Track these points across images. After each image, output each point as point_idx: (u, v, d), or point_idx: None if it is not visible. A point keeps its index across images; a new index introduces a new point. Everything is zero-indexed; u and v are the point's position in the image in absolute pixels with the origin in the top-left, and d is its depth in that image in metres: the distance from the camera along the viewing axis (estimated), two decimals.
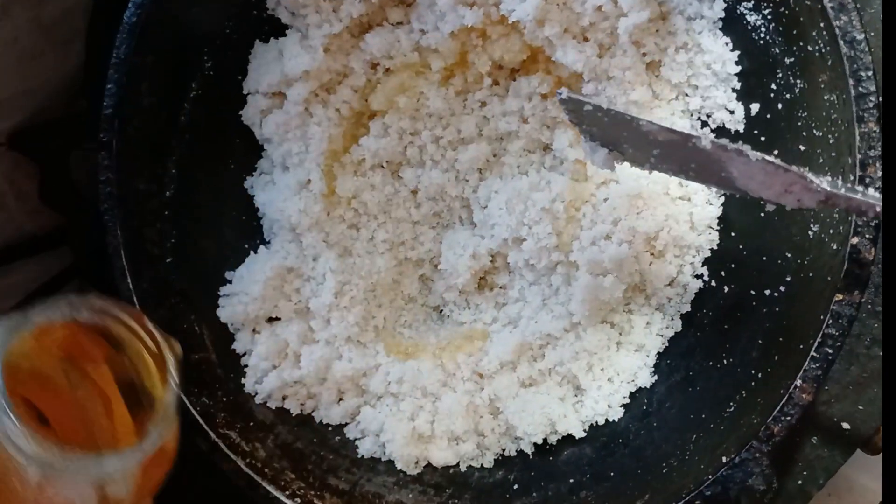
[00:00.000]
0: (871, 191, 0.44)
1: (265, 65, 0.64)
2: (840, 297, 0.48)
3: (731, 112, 0.57)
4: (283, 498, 0.58)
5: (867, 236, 0.47)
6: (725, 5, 0.55)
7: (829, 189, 0.44)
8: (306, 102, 0.64)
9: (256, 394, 0.63)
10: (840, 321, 0.48)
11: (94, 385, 0.48)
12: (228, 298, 0.64)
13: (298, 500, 0.58)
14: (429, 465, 0.61)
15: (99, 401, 0.47)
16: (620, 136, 0.49)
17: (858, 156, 0.47)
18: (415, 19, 0.62)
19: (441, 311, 0.68)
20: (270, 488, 0.58)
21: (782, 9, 0.51)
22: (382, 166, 0.66)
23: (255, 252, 0.67)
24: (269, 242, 0.68)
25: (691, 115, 0.60)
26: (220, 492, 0.58)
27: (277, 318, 0.65)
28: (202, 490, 0.59)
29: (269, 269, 0.64)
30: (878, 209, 0.43)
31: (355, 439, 0.63)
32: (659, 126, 0.47)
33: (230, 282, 0.65)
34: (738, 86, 0.57)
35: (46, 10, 0.66)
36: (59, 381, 0.47)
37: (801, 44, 0.50)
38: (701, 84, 0.58)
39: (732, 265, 0.58)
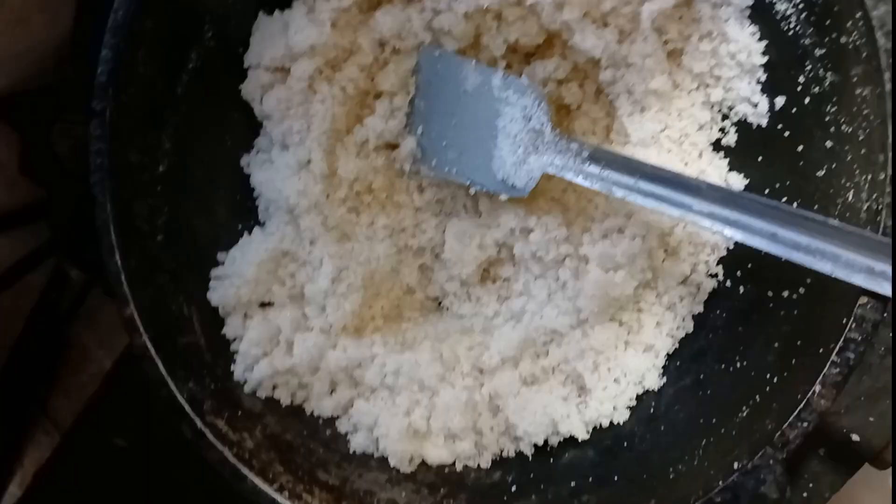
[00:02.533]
0: None
1: (268, 38, 0.61)
2: (865, 299, 0.45)
3: (755, 105, 0.55)
4: (269, 491, 0.55)
5: None
6: None
7: None
8: (310, 79, 0.61)
9: (246, 382, 0.60)
10: (864, 325, 0.45)
11: None
12: (220, 281, 0.62)
13: (286, 493, 0.55)
14: (423, 462, 0.59)
15: None
16: None
17: (892, 154, 0.44)
18: None
19: (440, 302, 0.66)
20: (257, 480, 0.55)
21: None
22: (386, 148, 0.64)
23: (250, 233, 0.64)
24: (263, 224, 0.65)
25: (712, 107, 0.58)
26: (205, 482, 0.56)
27: (270, 304, 0.62)
28: (186, 480, 0.56)
29: (263, 251, 0.61)
30: None
31: (347, 433, 0.60)
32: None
33: (222, 263, 0.62)
34: (763, 77, 0.55)
35: None
36: None
37: (834, 35, 0.48)
38: (724, 75, 0.56)
39: (749, 265, 0.56)
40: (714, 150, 0.58)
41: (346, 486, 0.57)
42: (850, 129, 0.48)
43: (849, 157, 0.48)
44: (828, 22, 0.48)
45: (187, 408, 0.56)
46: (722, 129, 0.58)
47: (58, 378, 0.72)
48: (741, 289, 0.56)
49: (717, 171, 0.57)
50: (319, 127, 0.61)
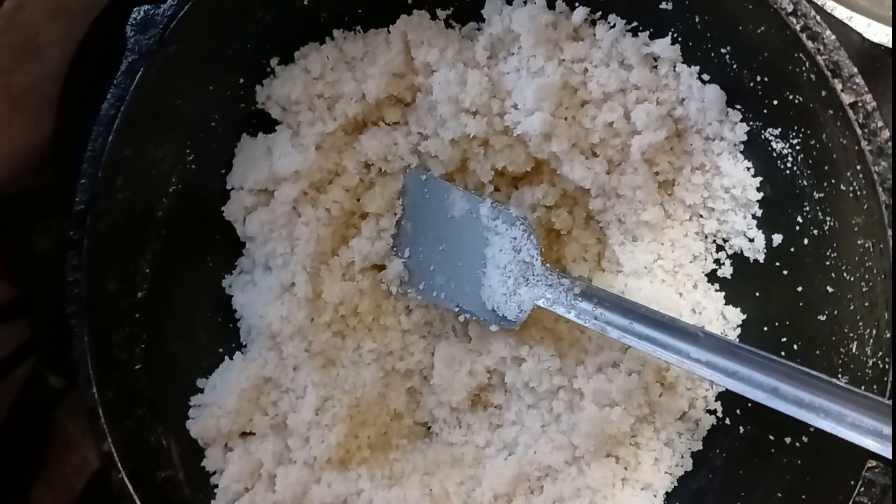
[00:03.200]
0: None
1: (252, 160, 0.59)
2: (874, 462, 0.43)
3: (751, 240, 0.54)
4: None
5: None
6: (748, 129, 0.52)
7: None
8: (295, 202, 0.59)
9: None
10: (873, 490, 0.43)
11: None
12: (200, 410, 0.59)
13: None
14: None
15: None
16: None
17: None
18: (413, 121, 0.58)
19: (429, 428, 0.63)
20: None
21: (812, 141, 0.47)
22: (373, 270, 0.62)
23: (231, 358, 0.62)
24: (245, 347, 0.63)
25: (706, 237, 0.56)
26: None
27: (252, 433, 0.60)
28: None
29: (244, 378, 0.59)
30: None
31: None
32: None
33: (202, 391, 0.60)
34: (759, 213, 0.53)
35: (17, 79, 0.61)
36: None
37: (833, 181, 0.47)
38: (718, 207, 0.54)
39: (749, 403, 0.53)
40: (710, 281, 0.57)
41: None
42: (853, 279, 0.46)
43: (851, 307, 0.46)
44: (826, 167, 0.47)
45: None
46: (717, 261, 0.56)
47: (41, 468, 0.69)
48: (741, 428, 0.54)
49: (713, 304, 0.56)
50: (304, 249, 0.59)
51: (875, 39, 0.53)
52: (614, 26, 0.53)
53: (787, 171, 0.50)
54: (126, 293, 0.58)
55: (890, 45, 0.52)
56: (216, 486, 0.58)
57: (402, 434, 0.62)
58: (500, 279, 0.56)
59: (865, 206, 0.44)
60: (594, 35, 0.54)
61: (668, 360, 0.48)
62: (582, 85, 0.54)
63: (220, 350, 0.62)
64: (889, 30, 0.53)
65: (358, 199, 0.61)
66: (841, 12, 0.53)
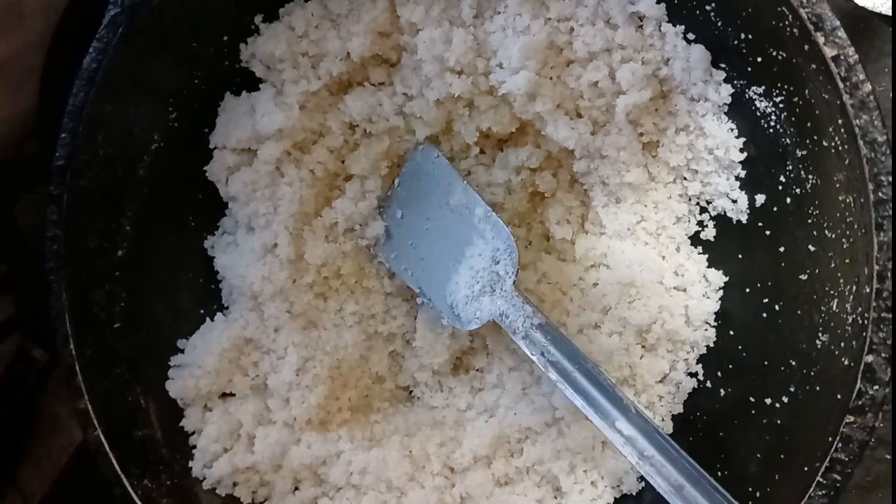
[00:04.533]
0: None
1: (235, 119, 0.59)
2: (851, 418, 0.43)
3: (734, 201, 0.54)
4: None
5: (883, 355, 0.43)
6: (733, 90, 0.51)
7: None
8: (278, 161, 0.59)
9: (204, 479, 0.57)
10: (851, 446, 0.43)
11: None
12: (179, 370, 0.59)
13: None
14: None
15: None
16: None
17: (876, 267, 0.43)
18: (398, 82, 0.58)
19: (411, 391, 0.63)
20: None
21: (796, 98, 0.47)
22: (355, 230, 0.61)
23: (212, 319, 0.61)
24: (227, 308, 0.62)
25: (689, 199, 0.56)
26: None
27: (231, 394, 0.60)
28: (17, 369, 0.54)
29: (225, 339, 0.59)
30: None
31: None
32: None
33: (182, 351, 0.60)
34: (742, 174, 0.53)
35: None
36: None
37: (816, 138, 0.46)
38: (701, 169, 0.54)
39: (730, 366, 0.54)
40: (693, 244, 0.56)
41: None
42: (833, 236, 0.46)
43: (832, 265, 0.46)
44: (809, 124, 0.47)
45: None
46: (700, 223, 0.56)
47: (28, 449, 0.69)
48: (722, 391, 0.54)
49: (695, 266, 0.55)
50: (286, 210, 0.59)
51: (860, 3, 0.53)
52: None
53: (771, 131, 0.50)
54: (106, 251, 0.58)
55: (874, 9, 0.52)
56: (194, 446, 0.58)
57: (384, 397, 0.62)
58: (469, 281, 0.56)
59: (847, 162, 0.44)
60: None
61: (592, 420, 0.50)
62: (567, 44, 0.54)
63: (202, 311, 0.62)
64: None
65: (342, 161, 0.61)
66: None
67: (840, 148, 0.44)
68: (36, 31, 0.61)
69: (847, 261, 0.45)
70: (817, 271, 0.47)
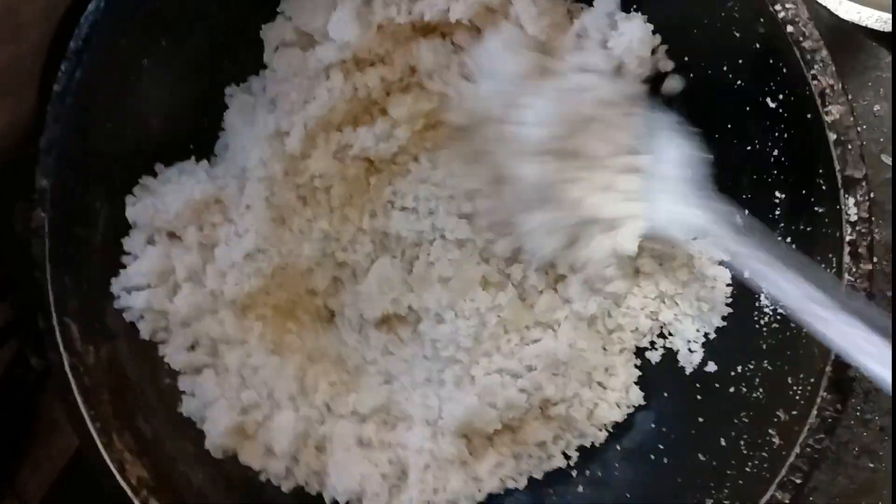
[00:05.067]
0: None
1: (311, 3, 0.56)
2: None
3: (691, 351, 0.56)
4: (85, 413, 0.55)
5: None
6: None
7: None
8: (330, 64, 0.57)
9: (118, 298, 0.59)
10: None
11: None
12: (144, 193, 0.59)
13: (98, 425, 0.55)
14: (234, 456, 0.60)
15: None
16: None
17: None
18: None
19: (334, 316, 0.65)
20: (80, 398, 0.55)
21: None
22: (364, 162, 0.61)
23: (197, 160, 0.61)
24: (215, 157, 0.62)
25: (656, 320, 0.58)
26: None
27: (179, 239, 0.61)
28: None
29: (199, 190, 0.59)
30: None
31: (184, 392, 0.60)
32: None
33: (155, 176, 0.60)
34: (712, 337, 0.55)
35: None
36: None
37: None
38: (682, 307, 0.57)
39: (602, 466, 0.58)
40: (636, 354, 0.59)
41: (156, 443, 0.57)
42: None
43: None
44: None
45: (51, 297, 0.56)
46: (652, 343, 0.58)
47: (25, 452, 0.69)
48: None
49: (625, 375, 0.58)
50: (314, 110, 0.58)
51: (846, 17, 0.56)
52: None
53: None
54: None
55: (860, 23, 0.56)
56: (125, 267, 0.59)
57: (308, 309, 0.64)
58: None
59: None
60: None
61: None
62: None
63: (191, 146, 0.62)
64: (860, 8, 0.56)
65: (388, 94, 0.60)
66: None
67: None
68: (34, 39, 0.59)
69: None
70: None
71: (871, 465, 0.60)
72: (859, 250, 0.44)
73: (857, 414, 0.56)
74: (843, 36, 0.60)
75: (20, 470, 0.65)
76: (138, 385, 0.59)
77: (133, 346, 0.59)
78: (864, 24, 0.57)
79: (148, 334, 0.60)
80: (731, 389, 0.52)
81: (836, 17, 0.57)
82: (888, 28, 0.56)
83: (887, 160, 0.61)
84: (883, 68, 0.62)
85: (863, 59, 0.62)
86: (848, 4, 0.56)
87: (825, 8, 0.57)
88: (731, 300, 0.54)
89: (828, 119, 0.43)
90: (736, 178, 0.52)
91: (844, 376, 0.45)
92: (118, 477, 0.54)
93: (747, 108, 0.50)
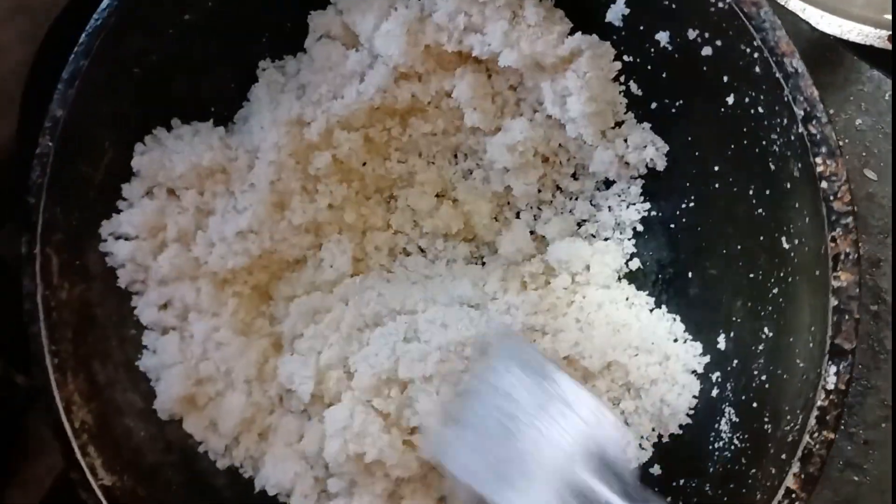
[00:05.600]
0: None
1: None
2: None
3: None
4: (45, 353, 0.55)
5: None
6: None
7: None
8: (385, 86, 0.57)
9: (105, 242, 0.59)
10: None
11: None
12: (154, 144, 0.59)
13: (56, 361, 0.55)
14: (179, 421, 0.60)
15: None
16: None
17: None
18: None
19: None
20: (44, 332, 0.55)
21: None
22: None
23: (215, 125, 0.61)
24: (234, 124, 0.62)
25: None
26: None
27: (177, 197, 0.60)
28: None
29: (208, 157, 0.59)
30: None
31: (146, 347, 0.60)
32: None
33: (170, 130, 0.60)
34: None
35: None
36: None
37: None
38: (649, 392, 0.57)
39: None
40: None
41: (106, 390, 0.58)
42: None
43: None
44: None
45: (39, 225, 0.56)
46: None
47: (13, 471, 0.68)
48: None
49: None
50: (340, 108, 0.58)
51: (827, 30, 0.57)
52: None
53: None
54: None
55: (841, 36, 0.57)
56: (119, 211, 0.59)
57: (284, 294, 0.63)
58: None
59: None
60: None
61: None
62: None
63: (212, 108, 0.61)
64: (842, 21, 0.57)
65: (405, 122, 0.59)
66: (795, 4, 0.58)
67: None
68: (14, 62, 0.60)
69: None
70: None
71: (856, 479, 0.61)
72: (827, 418, 0.44)
73: (842, 428, 0.56)
74: (824, 50, 0.61)
75: (7, 489, 0.65)
76: (103, 329, 0.59)
77: (107, 291, 0.60)
78: (845, 38, 0.58)
79: (125, 283, 0.60)
80: (668, 498, 0.52)
81: (818, 31, 0.57)
82: (869, 42, 0.57)
83: (870, 175, 0.61)
84: (864, 82, 0.62)
85: (844, 74, 0.62)
86: (830, 18, 0.57)
87: (806, 23, 0.57)
88: (692, 412, 0.54)
89: (834, 284, 0.42)
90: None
91: None
92: (63, 418, 0.55)
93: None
